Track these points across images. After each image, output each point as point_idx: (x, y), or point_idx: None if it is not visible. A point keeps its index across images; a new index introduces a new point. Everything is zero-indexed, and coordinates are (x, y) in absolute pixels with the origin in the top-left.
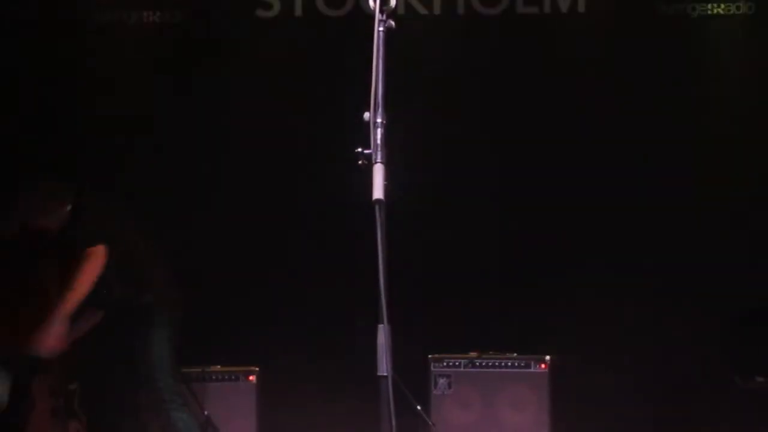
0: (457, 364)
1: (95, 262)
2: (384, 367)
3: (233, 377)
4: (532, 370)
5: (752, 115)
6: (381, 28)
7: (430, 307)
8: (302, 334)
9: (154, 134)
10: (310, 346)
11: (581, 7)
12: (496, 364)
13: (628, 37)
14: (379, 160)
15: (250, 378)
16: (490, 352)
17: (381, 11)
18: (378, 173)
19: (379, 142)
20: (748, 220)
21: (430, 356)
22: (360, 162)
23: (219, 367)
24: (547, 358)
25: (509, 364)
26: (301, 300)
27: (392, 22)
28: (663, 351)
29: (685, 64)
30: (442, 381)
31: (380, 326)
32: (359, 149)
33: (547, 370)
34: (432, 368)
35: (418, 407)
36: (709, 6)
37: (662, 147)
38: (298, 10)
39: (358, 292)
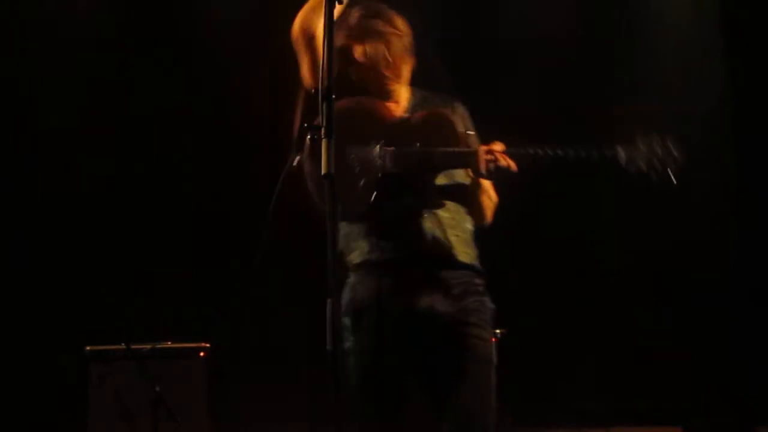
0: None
1: None
2: (332, 341)
3: (184, 353)
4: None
5: (697, 78)
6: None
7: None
8: (253, 309)
9: (102, 120)
10: (261, 321)
11: None
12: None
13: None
14: (327, 134)
15: (201, 354)
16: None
17: None
18: (327, 148)
19: (328, 115)
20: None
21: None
22: (308, 137)
23: (169, 343)
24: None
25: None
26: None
27: None
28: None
29: (633, 34)
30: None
31: (329, 300)
32: (306, 124)
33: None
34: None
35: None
36: None
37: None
38: None
39: (309, 267)
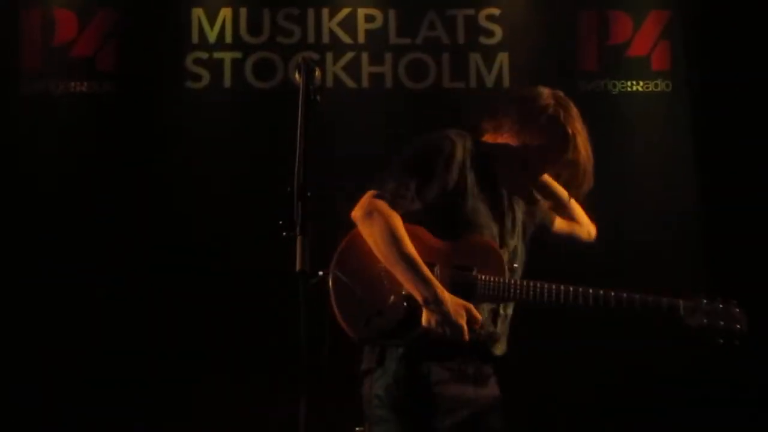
0: None
1: None
2: None
3: None
4: None
5: (669, 184)
6: (306, 101)
7: None
8: (225, 410)
9: (81, 206)
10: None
11: (506, 82)
12: None
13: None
14: (302, 232)
15: None
16: None
17: (306, 84)
18: (301, 245)
19: (302, 214)
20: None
21: None
22: (284, 234)
23: None
24: None
25: None
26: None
27: (318, 96)
28: None
29: (607, 138)
30: None
31: (302, 399)
32: (281, 221)
33: None
34: None
35: None
36: (629, 83)
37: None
38: (227, 82)
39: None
